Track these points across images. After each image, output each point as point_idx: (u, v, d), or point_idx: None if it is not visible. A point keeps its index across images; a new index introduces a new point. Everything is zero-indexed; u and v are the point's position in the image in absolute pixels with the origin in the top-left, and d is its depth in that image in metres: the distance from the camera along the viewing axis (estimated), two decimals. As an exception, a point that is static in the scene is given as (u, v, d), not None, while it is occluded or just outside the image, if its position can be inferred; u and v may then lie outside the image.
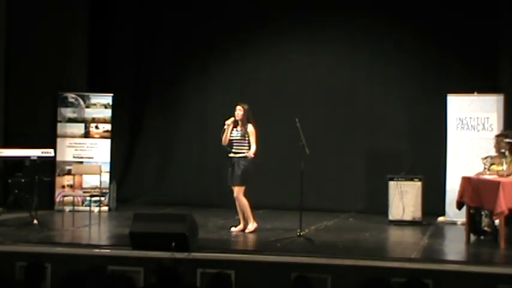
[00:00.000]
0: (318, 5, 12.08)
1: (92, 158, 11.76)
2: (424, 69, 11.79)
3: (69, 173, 11.50)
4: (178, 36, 12.62)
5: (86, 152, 11.78)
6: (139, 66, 12.89)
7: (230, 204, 10.96)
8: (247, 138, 9.35)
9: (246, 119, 9.40)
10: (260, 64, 12.45)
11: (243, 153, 9.34)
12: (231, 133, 9.40)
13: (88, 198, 10.85)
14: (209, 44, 12.52)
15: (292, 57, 12.31)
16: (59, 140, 11.67)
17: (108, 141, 11.83)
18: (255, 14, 12.30)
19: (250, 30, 12.38)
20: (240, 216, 9.49)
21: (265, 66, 12.43)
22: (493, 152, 9.40)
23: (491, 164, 9.20)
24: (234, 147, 9.40)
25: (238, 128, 9.40)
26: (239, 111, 9.40)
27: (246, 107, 9.44)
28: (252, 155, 9.27)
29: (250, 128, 9.39)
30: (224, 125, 9.39)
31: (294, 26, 12.23)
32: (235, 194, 9.36)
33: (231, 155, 9.42)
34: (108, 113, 11.87)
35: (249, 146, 9.36)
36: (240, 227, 9.46)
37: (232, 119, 9.39)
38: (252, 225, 9.45)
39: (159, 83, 12.79)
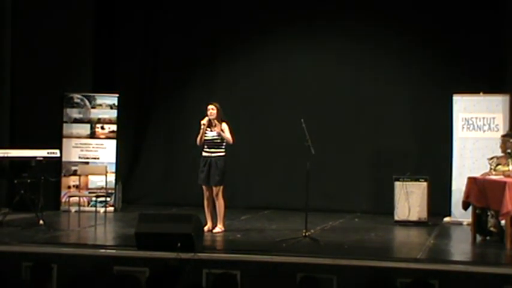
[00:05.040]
0: (323, 5, 12.07)
1: (98, 158, 11.78)
2: (429, 69, 11.77)
3: (75, 173, 11.52)
4: (184, 36, 12.62)
5: (91, 153, 11.80)
6: (145, 67, 12.90)
7: (234, 205, 11.02)
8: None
9: (219, 118, 9.40)
10: (266, 65, 12.45)
11: (220, 152, 9.35)
12: (205, 133, 9.39)
13: (94, 198, 10.86)
14: (215, 45, 12.52)
15: (297, 57, 12.29)
16: (64, 140, 11.69)
17: (114, 141, 11.84)
18: (262, 15, 12.28)
19: (256, 30, 12.37)
20: (208, 216, 9.46)
21: (271, 67, 12.42)
22: (499, 152, 9.39)
23: (497, 165, 9.19)
24: (210, 147, 9.38)
25: (213, 129, 9.39)
26: (212, 110, 9.39)
27: (218, 106, 9.44)
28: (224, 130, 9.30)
29: (225, 125, 9.40)
30: (200, 125, 9.38)
31: (299, 27, 12.22)
32: (215, 194, 9.35)
33: (206, 154, 9.41)
34: (113, 114, 11.89)
35: (226, 145, 9.36)
36: (208, 226, 9.38)
37: (207, 118, 9.39)
38: (221, 227, 9.42)
39: (164, 84, 12.81)
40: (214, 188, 9.36)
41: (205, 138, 9.40)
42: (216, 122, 9.38)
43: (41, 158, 10.22)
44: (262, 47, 12.45)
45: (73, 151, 11.76)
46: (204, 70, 12.55)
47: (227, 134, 9.36)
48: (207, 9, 12.55)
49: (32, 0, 11.79)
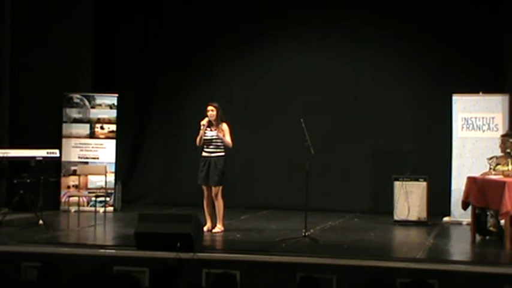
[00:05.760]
0: (323, 6, 12.07)
1: (97, 158, 11.78)
2: (429, 69, 11.77)
3: (74, 173, 11.52)
4: (184, 36, 12.62)
5: (91, 153, 11.80)
6: (145, 67, 12.89)
7: (234, 204, 11.03)
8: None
9: (219, 119, 9.40)
10: (265, 65, 12.45)
11: (219, 152, 9.35)
12: (205, 134, 9.39)
13: (93, 198, 10.85)
14: (214, 45, 12.51)
15: (298, 58, 12.29)
16: (64, 140, 11.69)
17: (114, 141, 11.84)
18: (261, 17, 12.27)
19: (256, 31, 12.36)
20: (207, 216, 9.46)
21: (270, 67, 12.42)
22: (498, 152, 9.39)
23: (497, 164, 9.19)
24: (210, 147, 9.38)
25: (213, 129, 9.39)
26: (211, 111, 9.38)
27: (217, 106, 9.42)
28: (225, 132, 9.30)
29: (225, 126, 9.40)
30: (200, 126, 9.39)
31: (299, 28, 12.21)
32: (214, 194, 9.35)
33: (205, 154, 9.40)
34: (113, 114, 11.89)
35: (225, 145, 9.37)
36: (208, 226, 9.38)
37: (207, 119, 9.39)
38: (220, 227, 9.42)
39: (164, 83, 12.80)
40: (213, 188, 9.36)
41: (205, 138, 9.40)
42: (217, 123, 9.37)
43: (41, 158, 10.22)
44: (261, 48, 12.44)
45: (72, 151, 11.76)
46: (203, 70, 12.55)
47: (227, 137, 9.36)
48: (206, 11, 12.56)
49: (32, 0, 11.78)
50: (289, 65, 12.33)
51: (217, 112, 9.39)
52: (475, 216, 9.01)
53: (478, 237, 9.00)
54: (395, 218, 10.66)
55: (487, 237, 9.01)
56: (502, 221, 8.53)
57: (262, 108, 12.40)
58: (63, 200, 11.42)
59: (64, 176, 11.67)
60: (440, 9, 11.58)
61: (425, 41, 11.70)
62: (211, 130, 9.40)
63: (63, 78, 11.68)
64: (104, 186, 10.72)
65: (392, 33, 11.89)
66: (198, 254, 7.51)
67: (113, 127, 11.87)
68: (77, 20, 11.84)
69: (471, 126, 10.73)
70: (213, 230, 9.35)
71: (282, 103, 12.19)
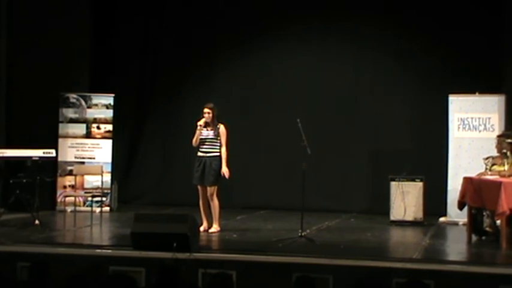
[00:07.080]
0: (323, 6, 12.07)
1: (94, 158, 11.77)
2: (426, 69, 11.78)
3: (70, 173, 11.49)
4: (184, 36, 12.62)
5: (87, 153, 11.79)
6: (142, 67, 12.89)
7: (230, 204, 11.02)
8: (219, 139, 9.38)
9: (216, 119, 9.41)
10: (265, 65, 12.45)
11: (215, 153, 9.35)
12: (201, 133, 9.39)
13: (89, 198, 10.85)
14: (214, 45, 12.50)
15: (298, 58, 12.29)
16: (60, 140, 11.68)
17: (110, 141, 11.83)
18: (261, 17, 12.27)
19: (255, 32, 12.36)
20: (204, 216, 9.45)
21: (270, 67, 12.42)
22: (494, 153, 9.40)
23: (493, 165, 9.19)
24: (205, 147, 9.39)
25: (209, 129, 9.40)
26: (208, 114, 9.38)
27: (213, 108, 9.41)
28: (226, 171, 9.28)
29: (223, 129, 9.41)
30: (196, 126, 9.39)
31: (298, 29, 12.22)
32: (209, 194, 9.34)
33: (201, 154, 9.41)
34: (109, 113, 11.88)
35: (221, 147, 9.38)
36: (204, 226, 9.38)
37: (203, 119, 9.39)
38: (217, 227, 9.41)
39: (163, 84, 12.80)
40: (208, 188, 9.36)
41: (201, 137, 9.40)
42: (214, 124, 9.38)
43: (37, 158, 10.22)
44: (261, 48, 12.44)
45: (69, 151, 11.75)
46: (203, 70, 12.55)
47: (223, 141, 9.35)
48: (206, 11, 12.56)
49: (29, 0, 11.77)
50: (289, 65, 12.33)
51: (213, 113, 9.39)
52: (471, 216, 9.01)
53: (474, 238, 9.01)
54: (392, 218, 10.67)
55: (483, 238, 9.01)
56: (498, 221, 8.52)
57: (262, 108, 12.40)
58: (59, 200, 11.41)
59: (60, 176, 11.66)
60: (440, 9, 11.59)
61: (425, 41, 11.70)
62: (207, 130, 9.41)
63: (61, 78, 11.67)
64: (100, 186, 10.72)
65: (392, 33, 11.89)
66: (195, 254, 7.50)
67: (109, 127, 11.86)
68: (76, 20, 11.83)
69: (467, 126, 10.74)
70: (210, 230, 9.35)
71: (282, 103, 12.18)
